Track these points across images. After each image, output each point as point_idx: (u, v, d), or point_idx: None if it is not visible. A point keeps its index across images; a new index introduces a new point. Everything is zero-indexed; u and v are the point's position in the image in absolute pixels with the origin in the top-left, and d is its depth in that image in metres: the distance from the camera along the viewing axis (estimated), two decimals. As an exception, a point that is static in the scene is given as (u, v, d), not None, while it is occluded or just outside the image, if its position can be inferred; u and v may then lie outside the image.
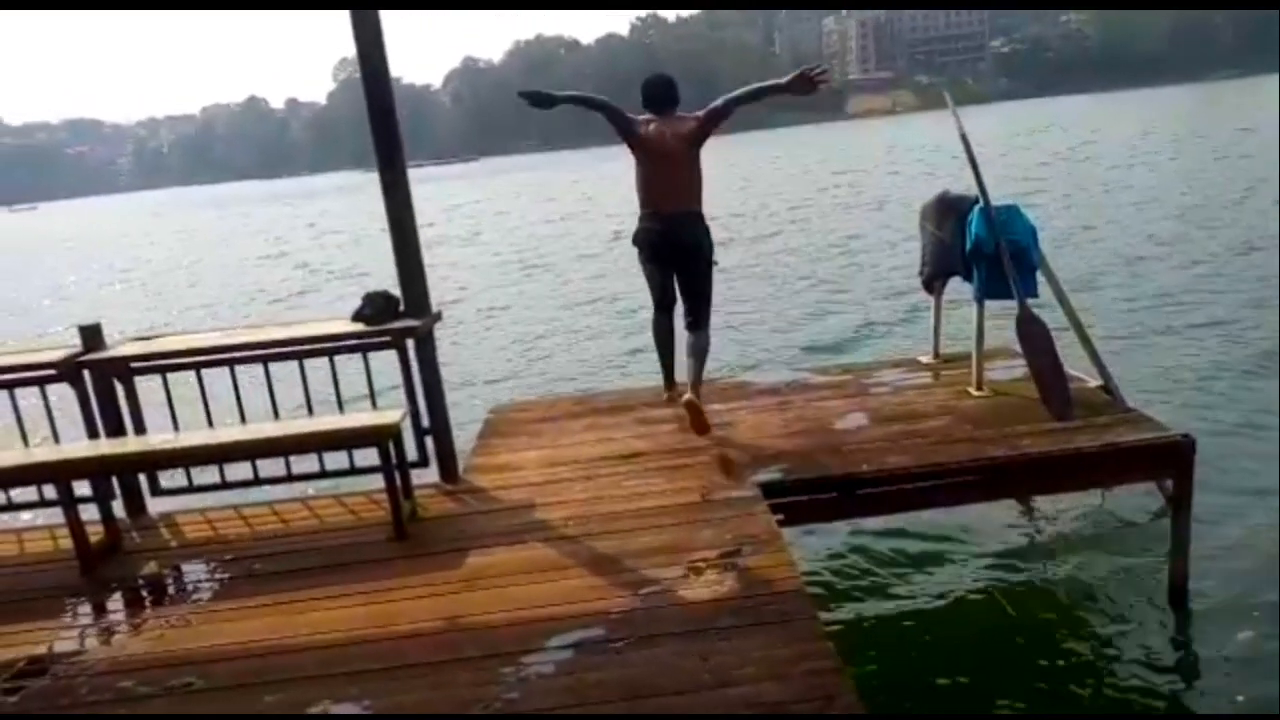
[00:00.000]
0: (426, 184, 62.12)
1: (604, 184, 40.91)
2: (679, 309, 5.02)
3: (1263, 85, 62.20)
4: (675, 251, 4.78)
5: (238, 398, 4.55)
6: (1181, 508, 4.27)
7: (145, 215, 62.63)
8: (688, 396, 4.60)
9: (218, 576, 3.86)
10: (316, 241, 30.53)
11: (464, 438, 5.03)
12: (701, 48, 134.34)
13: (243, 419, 4.58)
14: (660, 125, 4.71)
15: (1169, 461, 4.22)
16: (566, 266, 18.59)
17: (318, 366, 4.60)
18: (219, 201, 72.55)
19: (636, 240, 4.90)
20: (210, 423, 4.57)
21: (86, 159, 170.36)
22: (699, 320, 4.87)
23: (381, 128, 4.31)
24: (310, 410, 4.60)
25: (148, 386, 4.57)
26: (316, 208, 49.52)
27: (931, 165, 31.30)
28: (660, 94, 4.77)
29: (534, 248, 22.28)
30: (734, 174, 37.21)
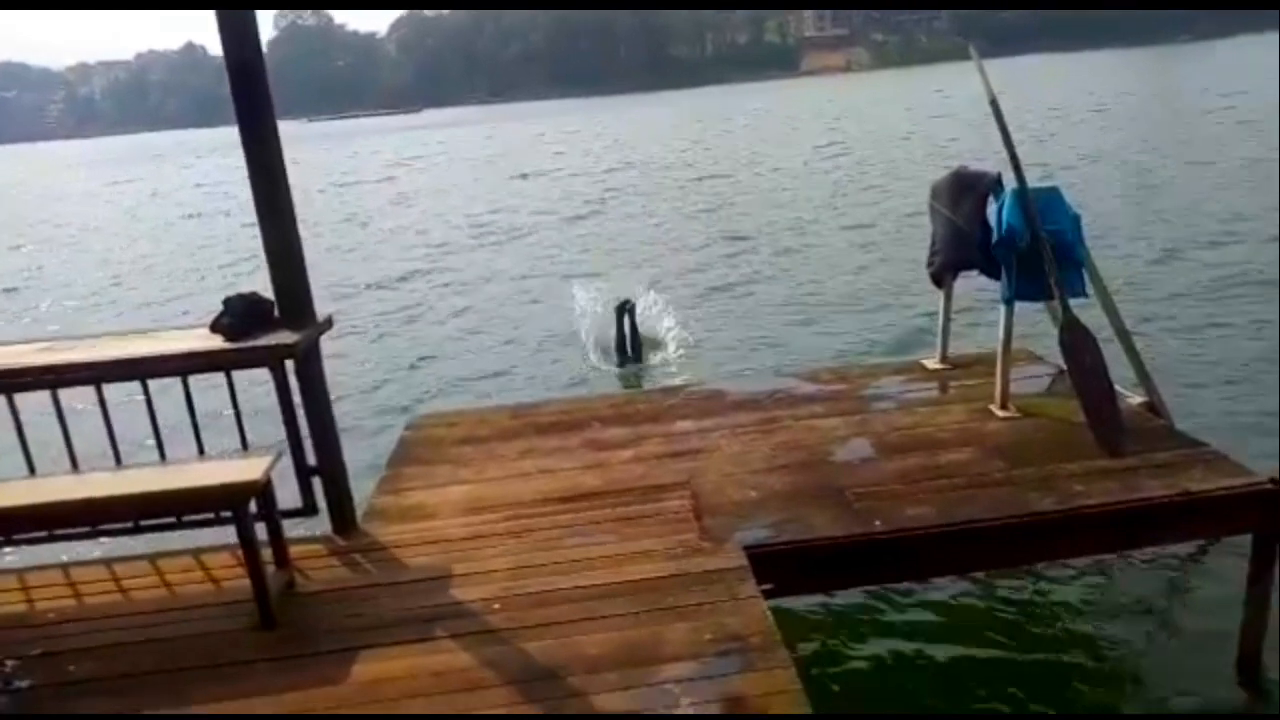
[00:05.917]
0: (377, 135, 59.56)
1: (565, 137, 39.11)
2: None
3: (1215, 49, 62.05)
4: None
5: (64, 432, 3.50)
6: (1264, 564, 3.44)
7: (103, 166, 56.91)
8: None
9: (16, 687, 2.85)
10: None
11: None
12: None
13: (72, 459, 3.53)
14: None
15: (1253, 512, 3.37)
16: (542, 231, 16.80)
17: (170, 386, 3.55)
18: (158, 151, 68.01)
19: None
20: (30, 464, 3.50)
21: (12, 104, 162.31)
22: None
23: (242, 80, 3.27)
24: (160, 447, 3.53)
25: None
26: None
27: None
28: None
29: (501, 208, 20.27)
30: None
